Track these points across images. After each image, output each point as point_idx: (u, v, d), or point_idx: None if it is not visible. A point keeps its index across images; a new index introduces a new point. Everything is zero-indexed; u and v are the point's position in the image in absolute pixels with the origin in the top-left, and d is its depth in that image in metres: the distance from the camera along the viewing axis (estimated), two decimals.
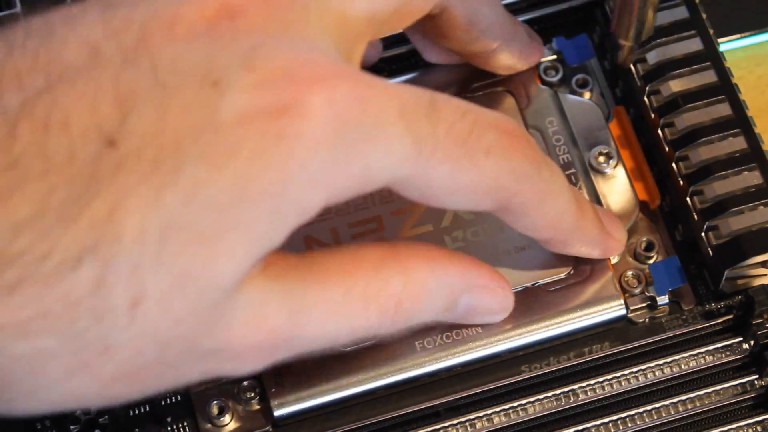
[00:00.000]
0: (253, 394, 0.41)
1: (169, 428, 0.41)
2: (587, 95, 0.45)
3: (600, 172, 0.43)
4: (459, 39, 0.41)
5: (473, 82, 0.44)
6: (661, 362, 0.41)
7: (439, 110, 0.33)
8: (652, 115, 0.42)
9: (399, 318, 0.36)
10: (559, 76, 0.45)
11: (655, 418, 0.40)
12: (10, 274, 0.29)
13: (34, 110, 0.30)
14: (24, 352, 0.30)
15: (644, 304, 0.41)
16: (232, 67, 0.31)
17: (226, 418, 0.40)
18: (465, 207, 0.35)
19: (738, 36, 0.49)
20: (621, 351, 0.41)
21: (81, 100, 0.30)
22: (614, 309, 0.41)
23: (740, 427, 0.40)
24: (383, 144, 0.32)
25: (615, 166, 0.43)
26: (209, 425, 0.40)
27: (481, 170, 0.34)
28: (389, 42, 0.46)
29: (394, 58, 0.46)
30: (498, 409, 0.40)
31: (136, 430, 0.41)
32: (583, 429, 0.40)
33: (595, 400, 0.40)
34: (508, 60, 0.43)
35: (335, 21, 0.34)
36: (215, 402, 0.40)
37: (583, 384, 0.40)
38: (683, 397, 0.40)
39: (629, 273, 0.41)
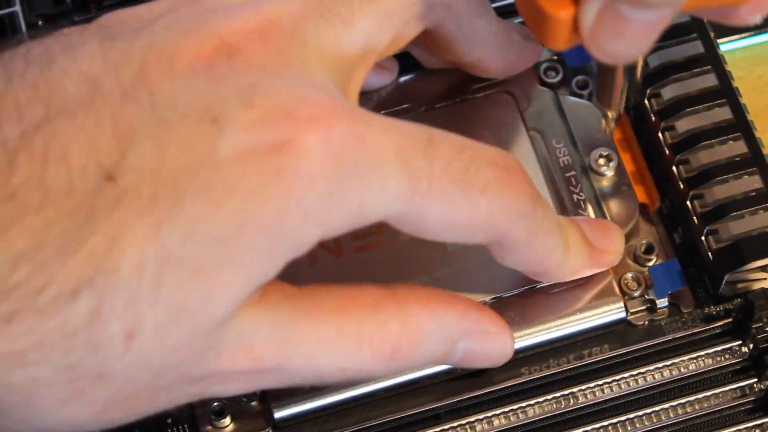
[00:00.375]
0: (253, 396, 0.41)
1: (170, 430, 0.41)
2: (587, 97, 0.45)
3: (600, 175, 0.43)
4: (454, 52, 0.41)
5: (473, 84, 0.44)
6: (660, 365, 0.41)
7: (436, 147, 0.33)
8: (653, 118, 0.42)
9: (395, 363, 0.35)
10: (560, 77, 0.45)
11: (655, 421, 0.40)
12: (8, 305, 0.29)
13: (33, 142, 0.30)
14: (20, 380, 0.30)
15: (644, 307, 0.41)
16: (231, 104, 0.31)
17: (227, 419, 0.40)
18: (458, 240, 0.35)
19: (738, 36, 0.49)
20: (620, 354, 0.41)
21: (80, 133, 0.30)
22: (614, 312, 0.41)
23: (739, 430, 0.40)
24: (379, 182, 0.32)
25: (615, 169, 0.43)
26: (209, 427, 0.40)
27: (475, 207, 0.34)
28: None
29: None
30: (498, 412, 0.40)
31: (136, 430, 0.41)
32: None
33: (594, 403, 0.41)
34: (504, 67, 0.43)
35: (333, 56, 0.34)
36: (216, 403, 0.40)
37: (583, 387, 0.41)
38: (682, 401, 0.40)
39: (629, 275, 0.42)
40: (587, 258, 0.39)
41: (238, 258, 0.31)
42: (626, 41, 0.33)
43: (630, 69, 0.39)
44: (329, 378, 0.35)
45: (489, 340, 0.38)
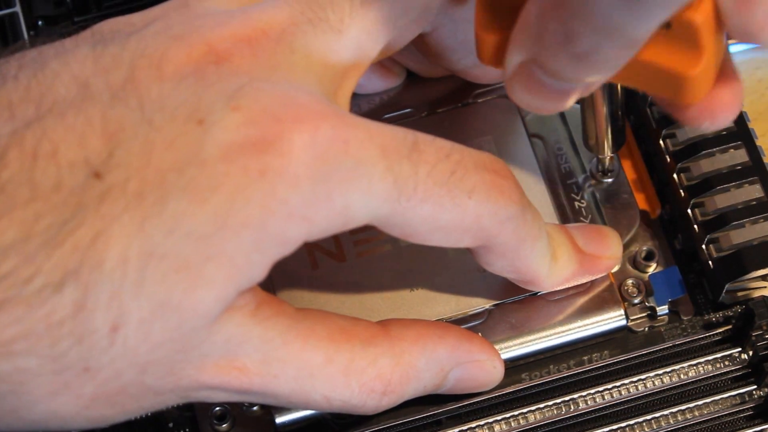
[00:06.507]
0: None
1: None
2: None
3: (601, 181, 0.43)
4: (448, 58, 0.41)
5: (475, 89, 0.44)
6: (660, 372, 0.41)
7: (422, 151, 0.34)
8: (654, 126, 0.42)
9: (387, 399, 0.36)
10: None
11: (655, 427, 0.40)
12: None
13: (24, 139, 0.31)
14: (7, 370, 0.30)
15: (644, 314, 0.42)
16: (217, 105, 0.32)
17: (228, 424, 0.40)
18: (445, 244, 0.36)
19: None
20: (620, 360, 0.41)
21: (70, 132, 0.31)
22: (615, 320, 0.41)
23: None
24: (364, 183, 0.33)
25: (616, 176, 0.43)
26: (211, 430, 0.41)
27: (462, 210, 0.34)
28: None
29: None
30: (499, 418, 0.40)
31: None
32: None
33: (594, 409, 0.41)
34: (498, 75, 0.43)
35: (321, 63, 0.35)
36: (217, 408, 0.41)
37: (584, 393, 0.41)
38: (682, 407, 0.41)
39: (629, 282, 0.42)
40: (576, 266, 0.40)
41: (221, 254, 0.31)
42: (538, 99, 0.33)
43: (612, 116, 0.39)
44: (315, 405, 0.36)
45: (479, 368, 0.39)
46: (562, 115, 0.44)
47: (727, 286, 0.40)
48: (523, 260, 0.37)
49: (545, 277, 0.39)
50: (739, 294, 0.41)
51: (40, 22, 0.48)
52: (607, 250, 0.40)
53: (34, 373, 0.31)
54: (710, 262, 0.40)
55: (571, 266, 0.39)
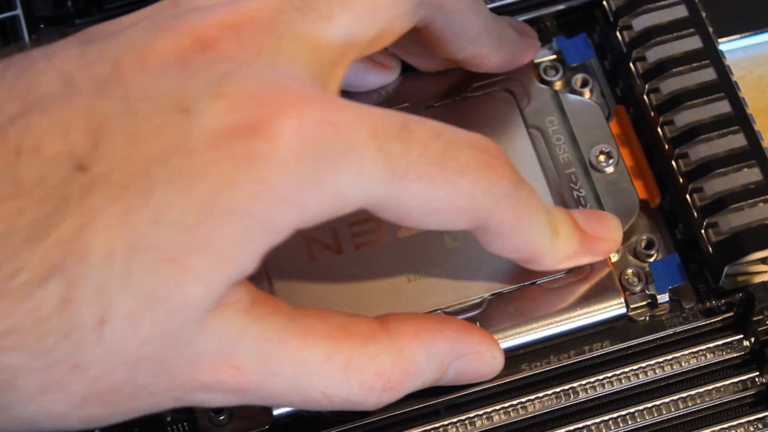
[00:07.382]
0: None
1: (169, 428, 0.41)
2: (587, 94, 0.45)
3: (600, 171, 0.43)
4: (447, 49, 0.41)
5: (473, 82, 0.44)
6: (661, 360, 0.40)
7: (413, 131, 0.34)
8: (652, 113, 0.42)
9: (387, 395, 0.36)
10: (559, 75, 0.45)
11: (656, 415, 0.40)
12: None
13: (7, 135, 0.30)
14: None
15: (644, 302, 0.41)
16: (202, 94, 0.31)
17: (226, 417, 0.40)
18: (441, 226, 0.35)
19: (738, 36, 0.49)
20: (621, 349, 0.41)
21: (54, 126, 0.31)
22: (615, 308, 0.41)
23: (741, 424, 0.40)
24: (355, 166, 0.32)
25: (615, 165, 0.43)
26: (208, 424, 0.40)
27: (456, 189, 0.34)
28: None
29: None
30: (498, 407, 0.40)
31: (136, 429, 0.41)
32: (583, 427, 0.40)
33: (595, 398, 0.40)
34: (499, 63, 0.43)
35: (309, 48, 0.34)
36: None
37: (584, 382, 0.40)
38: (683, 395, 0.40)
39: (629, 271, 0.41)
40: (578, 244, 0.39)
41: (209, 244, 0.31)
42: None
43: None
44: (314, 403, 0.35)
45: (479, 360, 0.38)
46: (561, 107, 0.44)
47: (726, 269, 0.40)
48: (523, 237, 0.37)
49: (547, 253, 0.38)
50: (740, 279, 0.41)
51: (41, 25, 0.48)
52: (608, 233, 0.40)
53: (23, 369, 0.30)
54: (709, 247, 0.40)
55: (573, 243, 0.39)
